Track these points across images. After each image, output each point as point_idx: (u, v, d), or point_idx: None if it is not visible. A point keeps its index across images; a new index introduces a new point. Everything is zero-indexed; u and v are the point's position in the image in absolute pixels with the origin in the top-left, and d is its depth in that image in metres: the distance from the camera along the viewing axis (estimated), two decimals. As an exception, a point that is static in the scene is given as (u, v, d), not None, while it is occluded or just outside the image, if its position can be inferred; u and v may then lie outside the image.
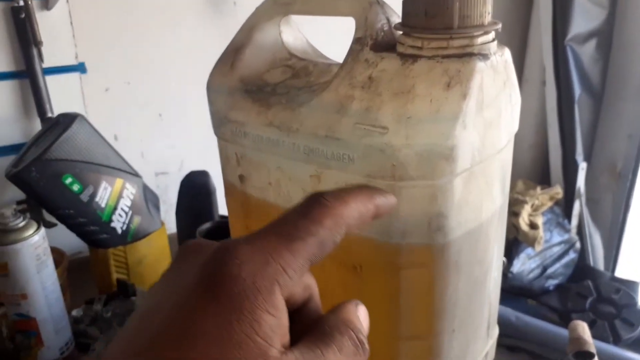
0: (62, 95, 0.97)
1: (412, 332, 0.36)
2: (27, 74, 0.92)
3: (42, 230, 0.70)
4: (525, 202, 1.32)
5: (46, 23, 0.92)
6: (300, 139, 0.35)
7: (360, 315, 0.23)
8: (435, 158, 0.31)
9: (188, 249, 0.22)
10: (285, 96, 0.39)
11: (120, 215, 0.89)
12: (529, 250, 1.33)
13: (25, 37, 0.90)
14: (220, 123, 0.41)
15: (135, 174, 0.92)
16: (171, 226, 1.02)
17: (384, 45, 0.35)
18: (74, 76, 0.99)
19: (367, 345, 0.21)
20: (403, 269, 0.34)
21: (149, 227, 0.94)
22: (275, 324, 0.19)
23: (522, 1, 1.58)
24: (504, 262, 1.19)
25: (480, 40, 0.32)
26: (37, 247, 0.68)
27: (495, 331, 0.46)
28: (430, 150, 0.31)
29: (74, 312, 0.81)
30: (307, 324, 0.22)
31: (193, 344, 0.18)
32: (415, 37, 0.33)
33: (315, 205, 0.21)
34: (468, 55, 0.32)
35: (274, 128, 0.37)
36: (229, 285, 0.18)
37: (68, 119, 0.83)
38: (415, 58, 0.33)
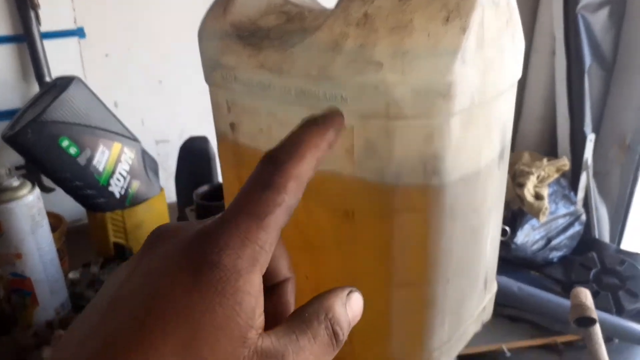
0: (60, 60, 0.96)
1: (406, 280, 0.35)
2: (25, 38, 0.91)
3: (37, 190, 0.69)
4: (531, 173, 1.30)
5: (43, -15, 0.90)
6: (291, 81, 0.34)
7: (351, 304, 0.22)
8: (431, 95, 0.30)
9: (159, 234, 0.22)
10: (278, 40, 0.37)
11: (118, 179, 0.88)
12: (534, 222, 1.31)
13: (23, 0, 0.88)
14: (211, 69, 0.40)
15: (134, 139, 0.91)
16: (171, 195, 1.01)
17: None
18: (73, 41, 0.97)
19: (342, 337, 0.21)
20: (397, 213, 0.33)
21: (148, 192, 0.93)
22: (255, 304, 0.19)
23: None
24: (506, 230, 1.18)
25: (481, -28, 0.30)
26: (32, 208, 0.68)
27: (494, 287, 0.45)
28: (427, 87, 0.30)
29: (71, 275, 0.81)
30: (281, 307, 0.24)
31: (176, 331, 0.18)
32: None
33: (274, 171, 0.21)
34: (467, -13, 0.30)
35: (265, 70, 0.35)
36: (211, 273, 0.19)
37: (65, 82, 0.82)
38: (412, -8, 0.31)
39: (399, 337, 0.37)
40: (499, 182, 0.39)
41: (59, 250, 0.91)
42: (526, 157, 1.42)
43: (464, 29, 0.29)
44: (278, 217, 0.21)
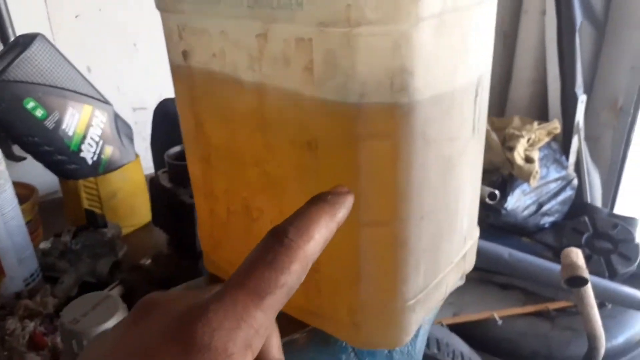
0: (25, 22, 0.91)
1: (375, 217, 0.32)
2: (-15, -5, 0.86)
3: (-1, 154, 0.65)
4: (521, 136, 1.27)
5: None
6: (242, -9, 0.30)
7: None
8: (396, -5, 0.26)
9: (150, 304, 0.21)
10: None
11: (90, 144, 0.85)
12: (525, 186, 1.28)
13: (-20, -47, 0.83)
14: (160, -8, 0.36)
15: (106, 102, 0.87)
16: (150, 165, 0.97)
17: None
18: (39, 0, 0.92)
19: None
20: (363, 139, 0.30)
21: (122, 158, 0.90)
22: None
23: None
24: (495, 194, 1.14)
25: None
26: (-8, 170, 0.64)
27: (475, 233, 0.42)
28: (390, -14, 0.26)
29: (42, 245, 0.77)
30: None
31: None
32: None
33: (280, 249, 0.21)
34: None
35: (215, -17, 0.31)
36: (201, 355, 0.18)
37: (28, 39, 0.77)
38: None
39: (369, 282, 0.34)
40: (478, 114, 0.36)
41: (31, 221, 0.87)
42: (516, 121, 1.39)
43: None
44: (278, 299, 0.20)
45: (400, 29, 0.27)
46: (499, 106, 1.66)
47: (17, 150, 0.93)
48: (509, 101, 1.64)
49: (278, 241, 0.21)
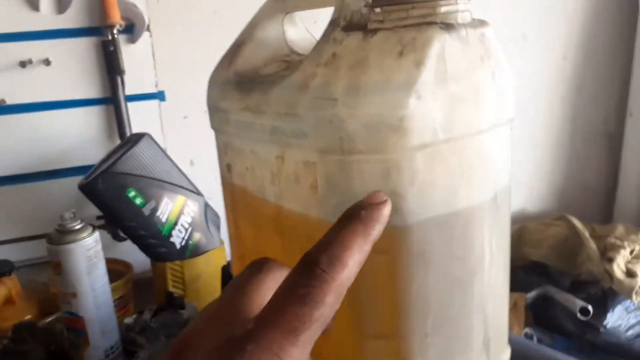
0: (142, 121, 1.06)
1: (378, 330, 0.33)
2: (112, 101, 1.02)
3: (96, 234, 0.75)
4: (622, 247, 1.17)
5: (131, 55, 1.02)
6: (267, 119, 0.35)
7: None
8: (384, 129, 0.29)
9: (187, 342, 0.21)
10: (267, 84, 0.39)
11: (180, 230, 0.93)
12: (628, 303, 1.17)
13: (112, 67, 0.99)
14: (213, 114, 0.42)
15: (198, 193, 0.96)
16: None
17: (358, 25, 0.34)
18: (154, 103, 1.07)
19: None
20: (361, 255, 0.32)
21: (208, 244, 0.97)
22: None
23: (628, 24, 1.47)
24: (588, 310, 1.06)
25: (443, 9, 0.30)
26: (89, 249, 0.73)
27: (504, 353, 0.41)
28: (378, 121, 0.29)
29: (127, 320, 0.85)
30: None
31: None
32: (378, 11, 0.31)
33: (313, 282, 0.20)
34: (427, 24, 0.30)
35: (248, 111, 0.37)
36: None
37: (137, 138, 0.90)
38: (376, 31, 0.31)
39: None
40: (497, 231, 0.36)
41: (124, 297, 0.96)
42: (620, 229, 1.29)
43: (418, 63, 0.29)
44: (313, 334, 0.20)
45: (390, 157, 0.30)
46: (603, 212, 1.55)
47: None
48: (616, 207, 1.54)
49: (310, 273, 0.20)
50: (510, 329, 1.27)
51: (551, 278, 1.36)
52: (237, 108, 0.38)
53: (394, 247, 0.31)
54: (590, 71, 1.51)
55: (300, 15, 0.46)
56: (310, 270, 0.20)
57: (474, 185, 0.33)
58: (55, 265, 0.72)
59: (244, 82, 0.41)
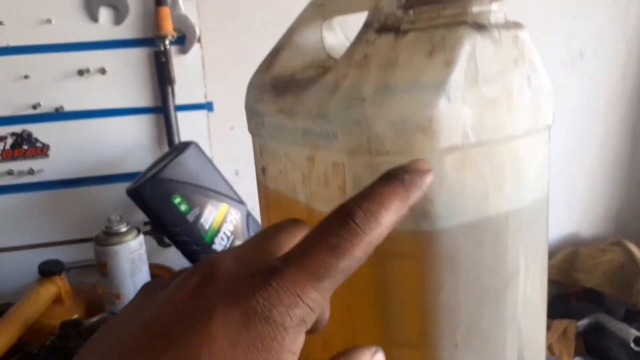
0: (190, 130, 1.09)
1: (404, 339, 0.32)
2: (162, 110, 1.05)
3: (140, 237, 0.77)
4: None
5: (182, 65, 1.05)
6: (299, 121, 0.35)
7: None
8: (412, 130, 0.29)
9: (208, 266, 0.21)
10: (303, 87, 0.39)
11: (222, 238, 0.95)
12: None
13: (163, 77, 1.03)
14: (249, 118, 0.43)
15: (241, 202, 0.97)
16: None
17: (391, 27, 0.34)
18: (202, 113, 1.10)
19: None
20: (388, 257, 0.31)
21: (248, 253, 0.98)
22: None
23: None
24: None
25: (475, 9, 0.30)
26: (134, 252, 0.75)
27: (540, 372, 0.39)
28: (406, 121, 0.29)
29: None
30: None
31: None
32: (411, 13, 0.31)
33: (345, 234, 0.20)
34: (458, 23, 0.29)
35: (282, 114, 0.37)
36: (261, 327, 0.19)
37: (184, 146, 0.92)
38: (407, 32, 0.31)
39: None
40: (532, 243, 0.35)
41: (166, 301, 0.98)
42: (681, 256, 1.22)
43: (448, 63, 0.28)
44: (336, 282, 0.20)
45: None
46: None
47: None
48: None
49: (345, 224, 0.20)
50: (559, 357, 1.21)
51: (605, 306, 1.29)
52: (272, 111, 0.38)
53: (422, 253, 0.30)
54: (651, 90, 1.45)
55: (339, 21, 0.46)
56: (344, 222, 0.20)
57: (506, 192, 0.32)
58: (101, 266, 0.75)
59: (279, 85, 0.41)
